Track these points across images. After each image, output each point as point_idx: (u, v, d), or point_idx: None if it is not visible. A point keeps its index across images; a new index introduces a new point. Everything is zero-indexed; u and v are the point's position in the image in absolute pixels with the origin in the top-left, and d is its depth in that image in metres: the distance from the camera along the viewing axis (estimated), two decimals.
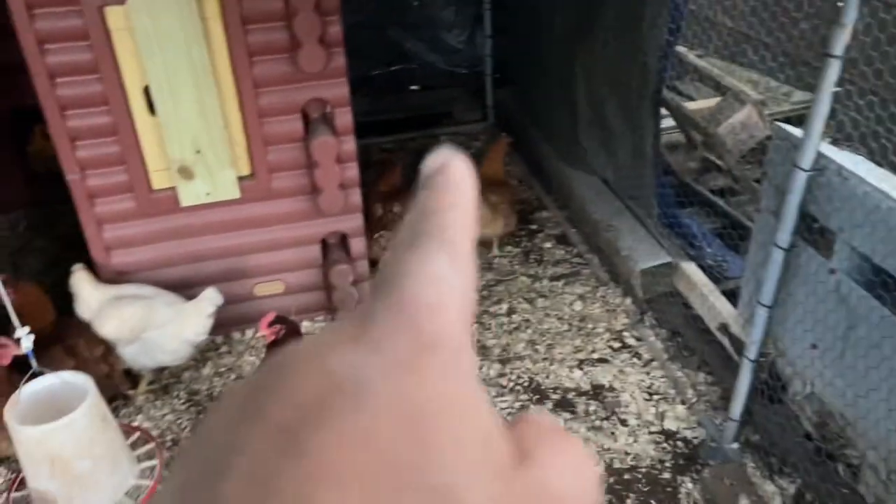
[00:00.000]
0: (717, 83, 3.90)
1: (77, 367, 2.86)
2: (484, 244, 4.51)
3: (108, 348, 3.18)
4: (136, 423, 3.27)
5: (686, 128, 4.24)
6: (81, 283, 3.21)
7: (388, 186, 4.67)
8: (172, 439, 3.20)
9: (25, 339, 2.62)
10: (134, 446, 3.03)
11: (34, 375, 2.66)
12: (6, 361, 2.81)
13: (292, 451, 0.26)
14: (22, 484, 2.76)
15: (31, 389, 2.64)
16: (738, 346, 3.10)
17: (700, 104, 4.07)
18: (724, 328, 3.25)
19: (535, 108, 5.18)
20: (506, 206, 4.34)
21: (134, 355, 3.19)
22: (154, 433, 3.22)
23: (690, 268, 3.56)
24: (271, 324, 2.79)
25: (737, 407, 2.91)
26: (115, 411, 3.32)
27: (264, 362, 0.32)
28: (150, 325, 3.13)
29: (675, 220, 3.54)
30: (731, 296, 3.35)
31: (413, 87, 6.48)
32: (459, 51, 6.43)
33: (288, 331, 2.81)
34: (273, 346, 2.81)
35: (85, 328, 3.17)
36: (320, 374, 0.29)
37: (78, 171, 3.14)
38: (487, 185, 4.33)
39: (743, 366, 2.87)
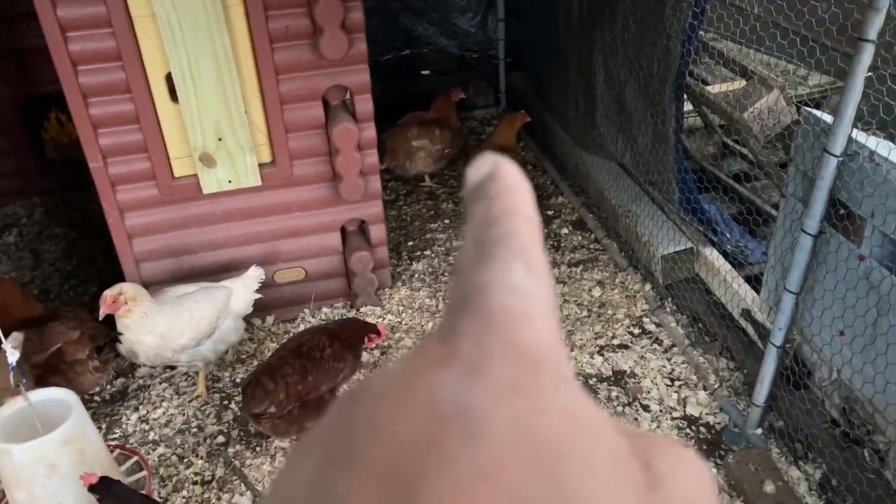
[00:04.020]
0: (743, 67, 3.86)
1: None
2: None
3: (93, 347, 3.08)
4: (118, 443, 3.09)
5: (705, 112, 4.21)
6: (141, 304, 2.97)
7: (440, 114, 4.76)
8: (198, 425, 3.21)
9: (10, 353, 2.40)
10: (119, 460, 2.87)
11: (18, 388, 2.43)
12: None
13: (404, 502, 0.23)
14: None
15: (8, 412, 2.43)
16: (762, 332, 3.10)
17: (721, 88, 4.04)
18: (746, 314, 3.25)
19: (549, 93, 5.15)
20: None
21: (205, 352, 3.17)
22: (179, 420, 3.24)
23: (712, 253, 3.55)
24: None
25: (761, 393, 2.92)
26: (137, 395, 3.34)
27: (345, 396, 0.29)
28: (223, 314, 3.16)
29: (696, 206, 3.53)
30: (753, 281, 3.35)
31: (424, 72, 6.45)
32: (471, 35, 6.40)
33: None
34: None
35: (70, 319, 3.10)
36: (420, 408, 0.26)
37: (100, 159, 3.13)
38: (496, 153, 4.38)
39: (768, 352, 2.87)
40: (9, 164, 4.74)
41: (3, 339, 2.40)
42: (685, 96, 3.63)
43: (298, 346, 2.94)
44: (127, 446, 3.05)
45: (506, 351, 0.27)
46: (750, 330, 3.24)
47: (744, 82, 3.92)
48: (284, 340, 3.31)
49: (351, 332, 3.11)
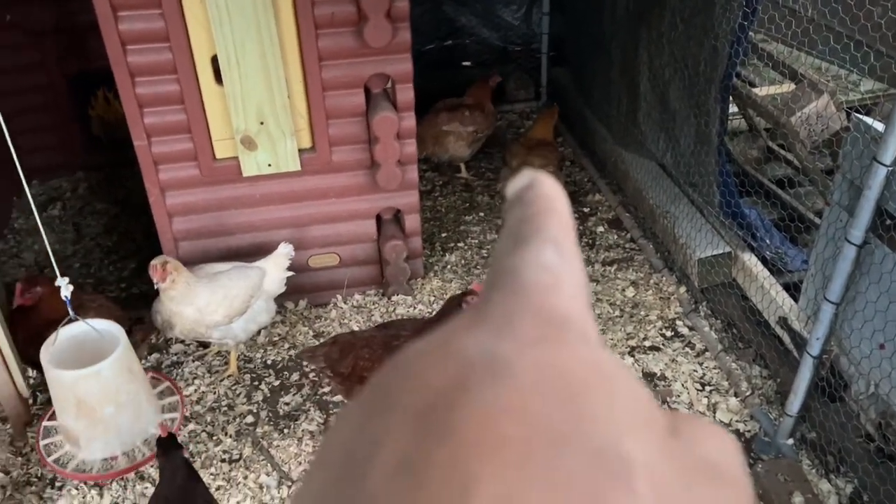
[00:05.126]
0: (793, 70, 3.78)
1: None
2: None
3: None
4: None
5: (750, 115, 4.13)
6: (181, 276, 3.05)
7: (476, 98, 4.79)
8: (228, 404, 3.26)
9: (65, 287, 2.71)
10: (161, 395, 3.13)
11: (71, 321, 2.79)
12: (29, 302, 2.99)
13: (435, 432, 0.25)
14: (54, 416, 2.90)
15: (67, 334, 2.77)
16: (799, 341, 3.04)
17: (769, 90, 3.96)
18: (783, 322, 3.20)
19: (591, 89, 5.10)
20: (551, 169, 4.38)
21: (236, 330, 3.22)
22: (210, 398, 3.30)
23: (750, 259, 3.49)
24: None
25: (795, 403, 2.87)
26: (170, 372, 3.40)
27: (384, 366, 0.31)
28: (256, 294, 3.21)
29: (736, 210, 3.47)
30: (791, 289, 3.29)
31: (465, 63, 6.43)
32: (515, 27, 6.35)
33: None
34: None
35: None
36: (450, 358, 0.27)
37: (145, 138, 3.18)
38: (532, 148, 4.39)
39: (803, 362, 2.82)
40: (55, 138, 4.83)
41: (59, 274, 2.71)
42: (731, 98, 3.56)
43: (391, 338, 2.90)
44: (160, 372, 3.28)
45: (534, 312, 0.29)
46: (786, 338, 3.19)
47: (792, 86, 3.84)
48: (385, 321, 3.36)
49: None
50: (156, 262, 3.00)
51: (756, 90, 4.07)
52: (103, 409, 2.69)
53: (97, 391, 2.67)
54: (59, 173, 4.94)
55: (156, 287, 3.03)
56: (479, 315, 0.29)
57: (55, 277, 2.74)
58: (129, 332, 3.07)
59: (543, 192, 0.34)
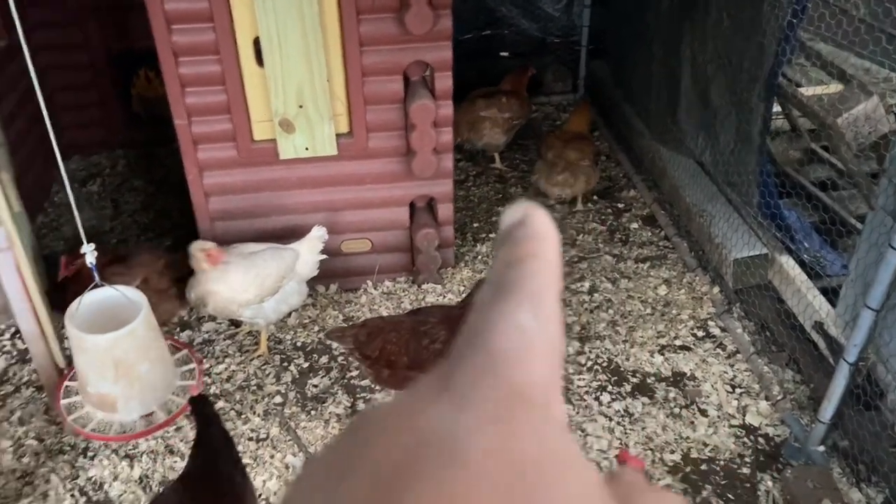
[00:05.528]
0: (841, 71, 3.69)
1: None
2: (568, 201, 4.54)
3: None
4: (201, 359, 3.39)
5: (793, 115, 4.05)
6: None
7: (512, 86, 4.79)
8: (257, 384, 3.30)
9: (89, 254, 2.80)
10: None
11: (97, 287, 2.88)
12: (73, 272, 3.10)
13: None
14: (75, 377, 3.00)
15: (89, 299, 2.85)
16: (835, 347, 2.99)
17: (816, 91, 3.88)
18: (819, 327, 3.14)
19: (630, 84, 5.04)
20: (587, 162, 4.34)
21: (267, 310, 3.26)
22: (240, 377, 3.34)
23: (788, 261, 3.43)
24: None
25: (828, 409, 2.82)
26: (201, 350, 3.45)
27: (351, 422, 0.32)
28: (288, 275, 3.25)
29: (775, 211, 3.41)
30: (828, 293, 3.23)
31: (503, 54, 6.39)
32: (555, 19, 6.29)
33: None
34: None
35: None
36: (409, 430, 0.28)
37: (185, 117, 3.22)
38: (566, 143, 4.36)
39: (839, 368, 2.77)
40: (96, 115, 4.91)
41: (85, 241, 2.82)
42: (775, 97, 3.49)
43: (418, 324, 2.90)
44: (178, 340, 3.40)
45: (496, 387, 0.29)
46: (821, 343, 3.13)
47: (840, 86, 3.75)
48: (416, 307, 3.36)
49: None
50: (199, 246, 3.07)
51: (801, 90, 3.98)
52: (139, 368, 2.78)
53: (134, 350, 2.77)
54: (99, 150, 5.02)
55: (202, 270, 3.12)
56: (445, 382, 0.30)
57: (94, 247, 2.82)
58: (180, 280, 3.29)
59: (534, 232, 0.34)
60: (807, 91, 4.00)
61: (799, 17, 3.03)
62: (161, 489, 2.75)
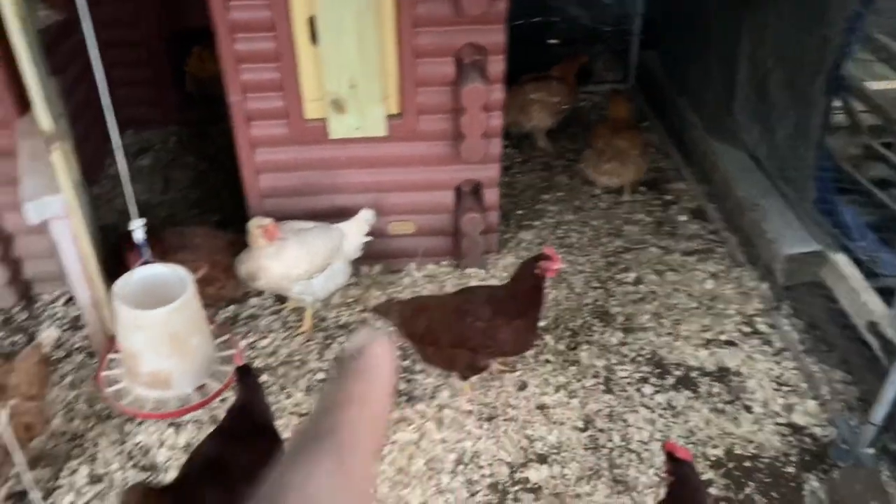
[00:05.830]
0: None
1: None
2: (616, 190, 4.49)
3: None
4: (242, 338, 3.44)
5: (853, 110, 3.94)
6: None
7: (561, 73, 4.79)
8: (300, 360, 3.34)
9: (138, 230, 2.82)
10: None
11: (145, 263, 2.89)
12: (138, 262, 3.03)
13: None
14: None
15: (133, 277, 2.85)
16: (889, 348, 2.91)
17: (882, 86, 3.76)
18: (872, 327, 3.06)
19: (683, 75, 4.95)
20: (635, 151, 4.29)
21: (315, 287, 3.30)
22: (283, 352, 3.38)
23: (842, 259, 3.35)
24: None
25: (880, 412, 2.74)
26: (247, 324, 3.50)
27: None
28: (335, 254, 3.29)
29: (832, 208, 3.32)
30: (884, 293, 3.14)
31: (553, 41, 6.32)
32: (607, 7, 6.21)
33: None
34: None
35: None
36: None
37: (240, 94, 3.26)
38: (615, 132, 4.31)
39: (893, 370, 2.69)
40: (150, 92, 5.00)
41: (136, 216, 2.82)
42: (838, 91, 3.39)
43: (463, 302, 2.91)
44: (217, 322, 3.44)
45: None
46: (875, 344, 3.05)
47: None
48: (460, 287, 3.30)
49: (519, 304, 2.85)
50: (257, 223, 3.12)
51: (867, 84, 3.87)
52: (192, 340, 2.81)
53: (187, 322, 2.79)
54: (152, 126, 5.11)
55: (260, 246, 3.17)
56: None
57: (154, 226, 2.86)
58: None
59: (369, 367, 0.36)
60: (871, 86, 3.88)
61: (867, 7, 2.93)
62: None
